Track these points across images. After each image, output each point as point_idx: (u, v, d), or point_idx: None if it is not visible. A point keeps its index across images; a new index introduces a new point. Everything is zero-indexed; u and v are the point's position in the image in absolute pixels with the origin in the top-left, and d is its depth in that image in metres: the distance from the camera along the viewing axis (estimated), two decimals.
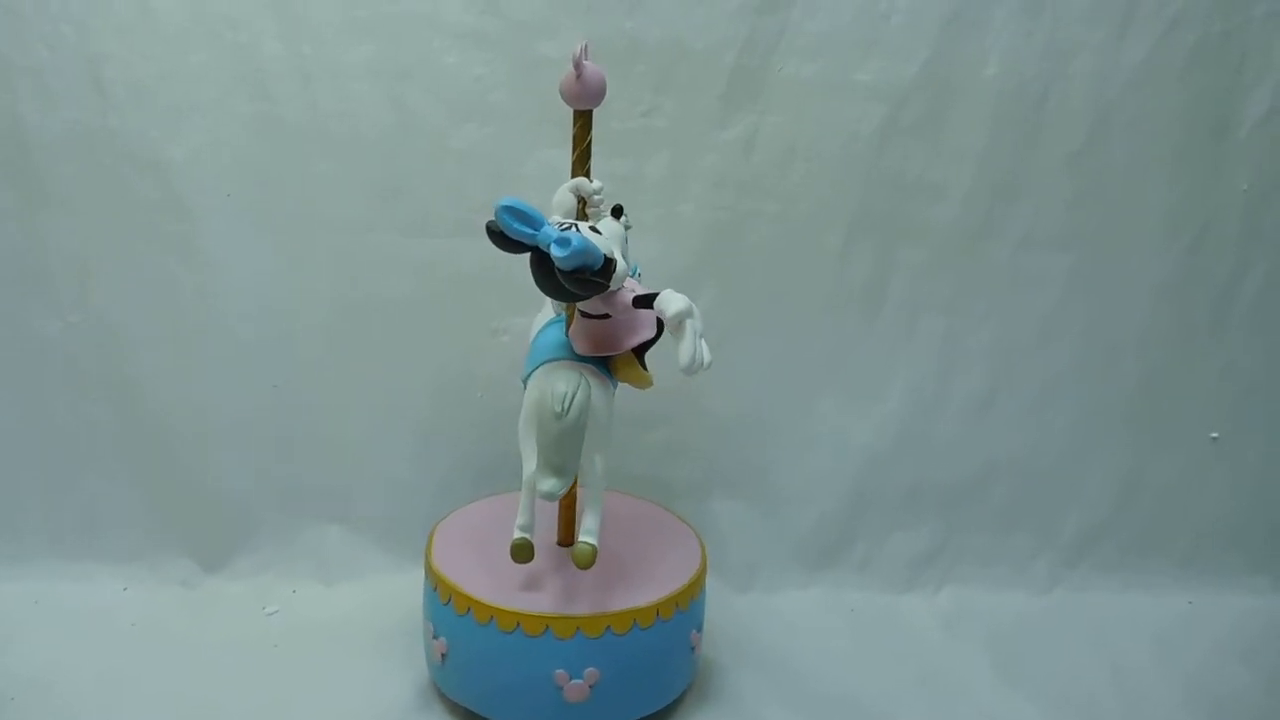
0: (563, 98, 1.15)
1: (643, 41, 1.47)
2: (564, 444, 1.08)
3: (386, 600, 1.49)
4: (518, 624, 1.15)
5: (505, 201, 0.98)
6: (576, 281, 0.99)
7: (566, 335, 1.20)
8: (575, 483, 1.30)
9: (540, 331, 1.24)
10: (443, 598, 1.21)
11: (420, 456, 1.59)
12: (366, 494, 1.59)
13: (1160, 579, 1.67)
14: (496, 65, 1.47)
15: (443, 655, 1.23)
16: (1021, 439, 1.65)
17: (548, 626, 1.15)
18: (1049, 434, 1.65)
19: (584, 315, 1.13)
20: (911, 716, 1.33)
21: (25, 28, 1.40)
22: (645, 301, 1.06)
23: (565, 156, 1.21)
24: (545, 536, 1.33)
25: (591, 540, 1.13)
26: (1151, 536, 1.68)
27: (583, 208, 1.21)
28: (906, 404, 1.63)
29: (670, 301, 1.02)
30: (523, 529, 1.15)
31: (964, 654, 1.48)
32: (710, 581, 1.38)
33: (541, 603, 1.17)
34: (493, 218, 1.00)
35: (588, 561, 1.12)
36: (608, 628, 1.17)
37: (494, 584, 1.20)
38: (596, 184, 1.20)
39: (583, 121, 1.17)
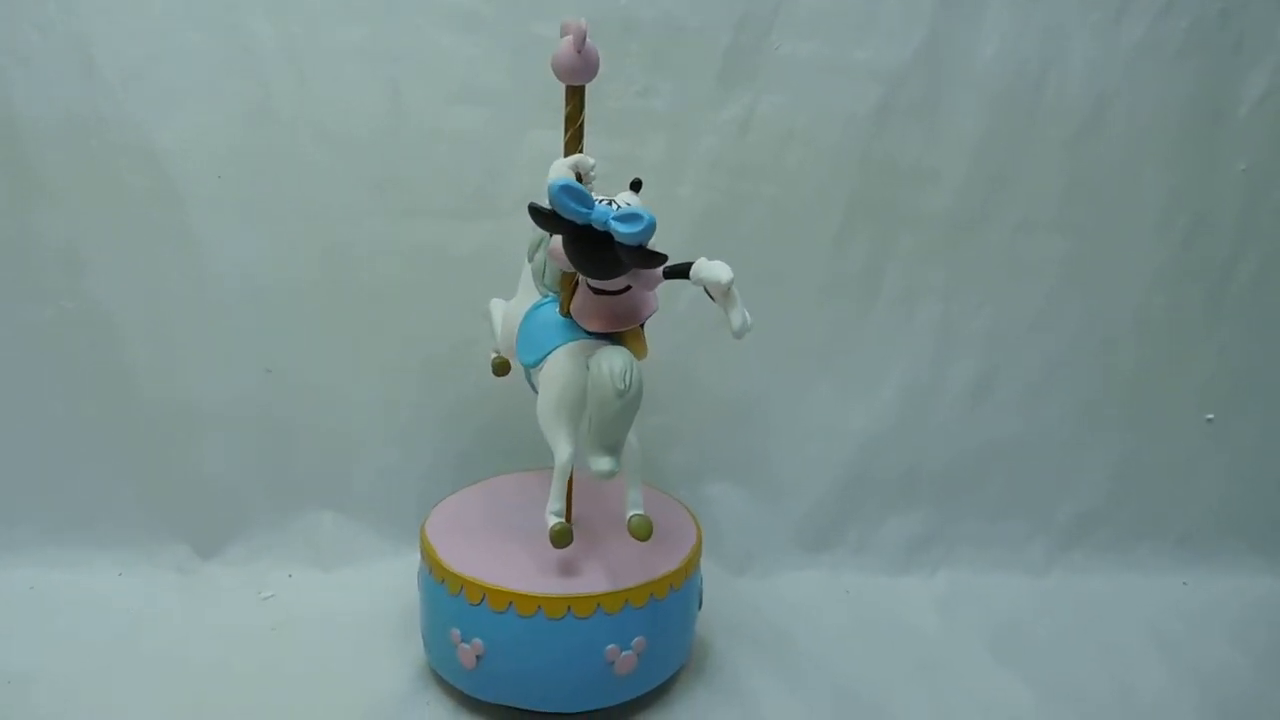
0: (557, 73, 1.14)
1: (637, 20, 1.46)
2: (622, 421, 1.08)
3: (382, 584, 1.49)
4: (568, 608, 1.14)
5: (562, 182, 0.99)
6: (638, 255, 1.00)
7: (560, 315, 1.19)
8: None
9: (529, 315, 1.23)
10: (472, 599, 1.16)
11: (413, 440, 1.58)
12: (361, 478, 1.59)
13: (1156, 560, 1.68)
14: (490, 47, 1.46)
15: (478, 658, 1.18)
16: (1018, 423, 1.65)
17: (598, 605, 1.15)
18: (1045, 418, 1.65)
19: (598, 292, 1.13)
20: (908, 697, 1.33)
21: (13, 10, 1.38)
22: (680, 272, 1.07)
23: (559, 138, 1.20)
24: (536, 521, 1.32)
25: (644, 512, 1.16)
26: (1147, 519, 1.69)
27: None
28: (903, 388, 1.63)
29: (718, 270, 1.04)
30: (559, 515, 1.16)
31: (960, 635, 1.49)
32: (707, 564, 1.38)
33: (583, 583, 1.17)
34: (534, 200, 1.01)
35: (647, 533, 1.14)
36: (651, 595, 1.19)
37: (524, 574, 1.18)
38: (592, 160, 1.19)
39: (577, 98, 1.16)
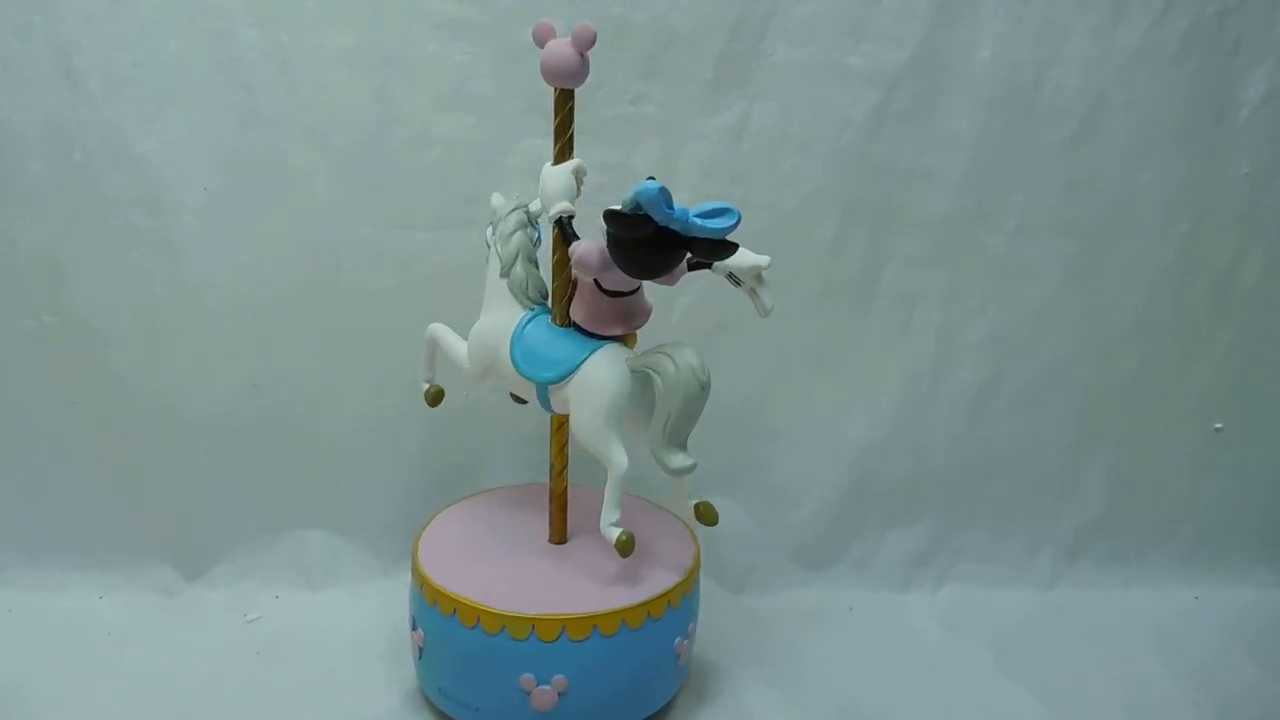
0: (549, 76, 1.12)
1: (629, 26, 1.44)
2: (698, 414, 1.10)
3: (371, 605, 1.46)
4: (647, 615, 1.14)
5: (658, 186, 0.98)
6: (715, 248, 1.03)
7: (559, 325, 1.17)
8: (565, 480, 1.28)
9: (524, 332, 1.18)
10: (547, 636, 1.10)
11: (404, 457, 1.55)
12: (349, 496, 1.55)
13: (1163, 573, 1.65)
14: (479, 53, 1.44)
15: (560, 695, 1.12)
16: (1019, 430, 1.62)
17: (668, 603, 1.17)
18: (1047, 426, 1.63)
19: (609, 294, 1.12)
20: (913, 715, 1.30)
21: None
22: (702, 263, 1.10)
23: (549, 144, 1.18)
24: (538, 538, 1.30)
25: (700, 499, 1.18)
26: (1153, 530, 1.66)
27: None
28: (902, 395, 1.60)
29: (753, 255, 1.10)
30: (618, 524, 1.15)
31: (966, 652, 1.46)
32: (706, 582, 1.36)
33: (648, 587, 1.17)
34: (615, 204, 1.02)
35: (716, 516, 1.16)
36: (696, 581, 1.24)
37: (589, 595, 1.15)
38: (585, 166, 1.18)
39: (569, 104, 1.14)
